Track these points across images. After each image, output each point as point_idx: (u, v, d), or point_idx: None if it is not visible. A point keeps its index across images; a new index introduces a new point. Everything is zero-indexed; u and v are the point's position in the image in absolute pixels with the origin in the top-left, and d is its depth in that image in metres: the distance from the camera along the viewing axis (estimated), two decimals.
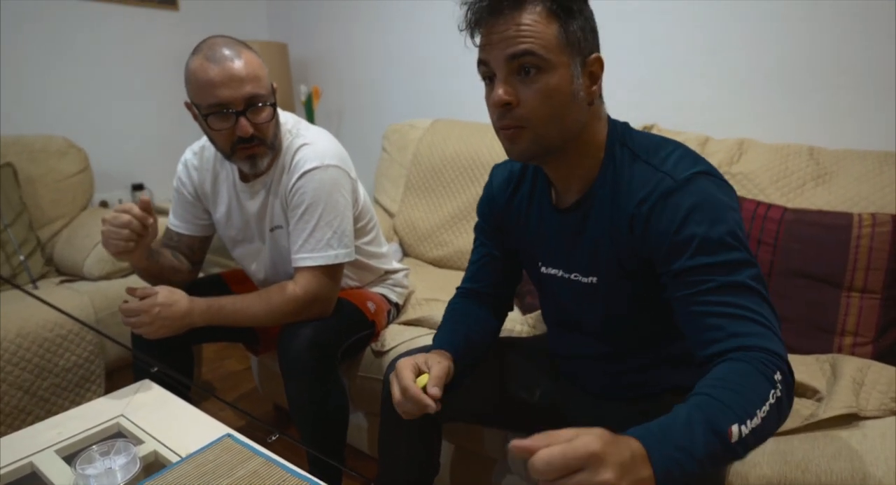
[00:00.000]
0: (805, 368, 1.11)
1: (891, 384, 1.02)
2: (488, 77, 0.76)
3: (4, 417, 1.34)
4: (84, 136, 2.12)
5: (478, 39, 0.76)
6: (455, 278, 1.65)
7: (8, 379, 1.35)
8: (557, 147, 0.77)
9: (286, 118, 1.19)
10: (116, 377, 1.58)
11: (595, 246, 0.83)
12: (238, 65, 1.03)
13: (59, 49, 2.14)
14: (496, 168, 1.00)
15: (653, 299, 0.82)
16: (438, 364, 0.84)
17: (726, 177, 1.41)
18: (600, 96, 0.81)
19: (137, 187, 2.38)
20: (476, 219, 1.03)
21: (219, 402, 1.83)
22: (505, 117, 0.75)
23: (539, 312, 1.33)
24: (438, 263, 1.88)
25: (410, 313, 1.45)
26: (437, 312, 1.37)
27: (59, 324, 1.44)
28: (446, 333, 0.95)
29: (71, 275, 1.71)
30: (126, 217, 1.04)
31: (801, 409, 1.01)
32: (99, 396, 1.48)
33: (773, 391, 0.61)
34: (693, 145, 1.53)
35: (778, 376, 0.62)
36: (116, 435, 0.95)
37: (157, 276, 1.21)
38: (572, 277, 0.87)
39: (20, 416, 1.36)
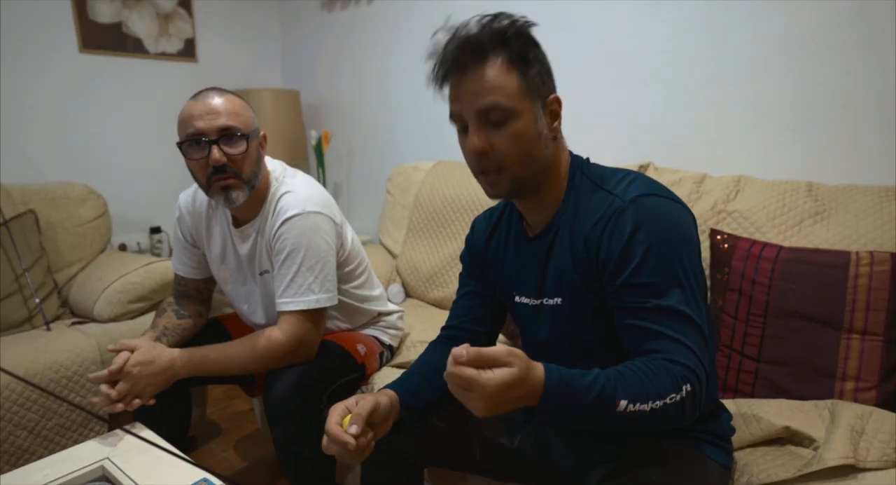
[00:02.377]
0: (803, 414, 1.06)
1: (893, 434, 0.97)
2: (461, 126, 0.82)
3: (9, 457, 1.38)
4: (104, 182, 2.23)
5: (446, 91, 0.82)
6: None
7: (14, 419, 1.39)
8: (533, 182, 0.83)
9: (274, 166, 1.24)
10: (121, 418, 1.60)
11: (559, 269, 0.86)
12: (217, 101, 1.11)
13: (82, 100, 2.27)
14: (477, 220, 1.05)
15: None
16: (363, 402, 0.83)
17: (721, 215, 1.42)
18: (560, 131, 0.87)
19: (155, 230, 2.47)
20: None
21: (222, 443, 1.85)
22: (482, 162, 0.81)
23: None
24: (439, 304, 1.88)
25: (405, 356, 1.45)
26: None
27: (65, 366, 1.48)
28: (402, 375, 0.97)
29: (83, 317, 1.78)
30: (95, 400, 1.07)
31: (796, 458, 0.97)
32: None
33: (673, 394, 0.70)
34: (689, 183, 1.52)
35: (687, 387, 0.71)
36: (101, 478, 0.96)
37: (180, 343, 1.25)
38: (543, 302, 0.90)
39: (24, 455, 1.40)
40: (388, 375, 1.34)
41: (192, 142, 1.10)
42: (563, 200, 0.86)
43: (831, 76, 1.42)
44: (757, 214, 1.38)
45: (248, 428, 1.96)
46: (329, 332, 1.33)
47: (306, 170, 2.81)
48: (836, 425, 0.99)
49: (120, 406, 1.07)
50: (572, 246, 0.84)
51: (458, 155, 2.22)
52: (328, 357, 1.22)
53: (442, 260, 1.88)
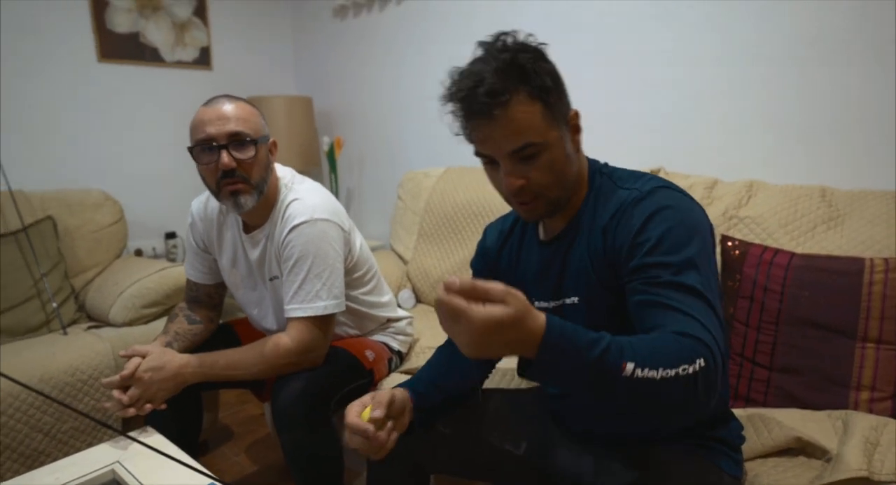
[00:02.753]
0: (816, 425, 1.04)
1: None
2: (488, 159, 0.82)
3: (25, 458, 1.41)
4: (120, 188, 2.27)
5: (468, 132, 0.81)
6: None
7: (30, 422, 1.41)
8: (567, 199, 0.85)
9: (284, 173, 1.25)
10: (133, 422, 1.63)
11: (577, 269, 0.86)
12: (228, 107, 1.13)
13: (100, 108, 2.32)
14: (489, 227, 1.06)
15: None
16: (380, 393, 0.86)
17: (733, 221, 1.41)
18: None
19: (170, 235, 2.51)
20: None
21: (234, 447, 1.86)
22: (519, 195, 0.81)
23: None
24: None
25: (414, 361, 1.45)
26: None
27: (80, 369, 1.51)
28: (411, 378, 0.98)
29: (99, 321, 1.81)
30: (107, 405, 1.10)
31: (808, 470, 0.95)
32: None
33: (685, 366, 0.62)
34: (701, 188, 1.51)
35: (700, 362, 0.63)
36: (111, 482, 0.98)
37: (190, 348, 1.26)
38: (564, 302, 0.89)
39: (39, 458, 1.42)
40: (397, 380, 1.34)
41: (203, 146, 1.12)
42: (583, 202, 0.87)
43: (842, 81, 1.40)
44: (769, 219, 1.36)
45: (259, 432, 1.98)
46: (338, 338, 1.33)
47: (319, 175, 2.83)
48: (850, 437, 0.98)
49: (132, 411, 1.08)
50: (590, 242, 0.84)
51: (467, 161, 2.23)
52: (336, 363, 1.22)
53: (452, 265, 1.88)
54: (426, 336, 1.60)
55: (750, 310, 1.23)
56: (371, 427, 0.80)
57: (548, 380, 0.65)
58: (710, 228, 0.81)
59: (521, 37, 0.81)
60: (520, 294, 0.59)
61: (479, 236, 1.82)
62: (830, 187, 1.37)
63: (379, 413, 0.81)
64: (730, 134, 1.60)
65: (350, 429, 0.82)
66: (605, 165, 0.91)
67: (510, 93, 0.75)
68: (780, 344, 1.17)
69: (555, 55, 0.83)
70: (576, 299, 0.87)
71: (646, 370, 0.61)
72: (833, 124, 1.44)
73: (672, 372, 0.61)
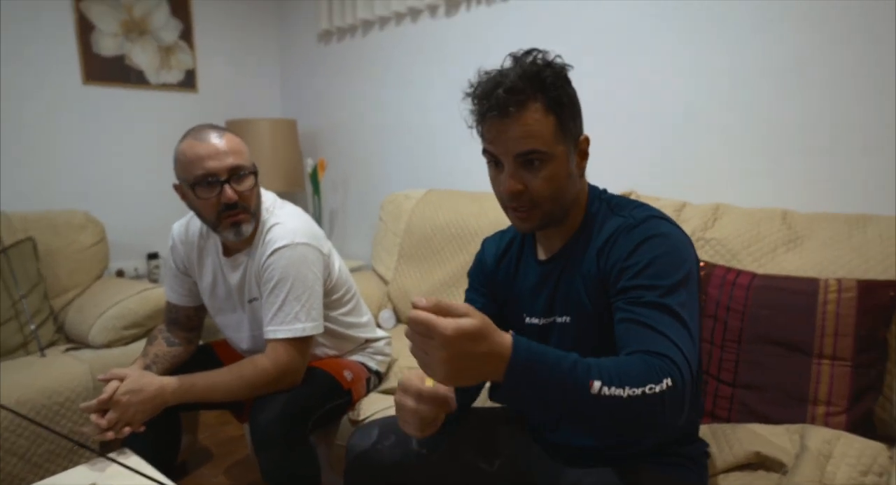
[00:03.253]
0: (775, 439, 1.09)
1: (860, 457, 1.00)
2: (494, 160, 0.86)
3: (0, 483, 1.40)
4: (103, 209, 2.29)
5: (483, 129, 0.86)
6: None
7: (4, 445, 1.41)
8: (560, 216, 0.89)
9: (266, 197, 1.29)
10: (111, 445, 1.62)
11: (570, 288, 0.90)
12: (221, 141, 1.16)
13: (85, 130, 2.34)
14: (487, 241, 1.09)
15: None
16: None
17: (700, 242, 1.46)
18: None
19: (152, 256, 2.52)
20: (465, 285, 1.09)
21: (213, 468, 1.86)
22: (515, 201, 0.85)
23: None
24: None
25: (392, 381, 1.48)
26: None
27: (58, 391, 1.51)
28: None
29: (78, 342, 1.81)
30: (85, 430, 1.11)
31: (767, 483, 0.99)
32: None
33: (652, 385, 0.65)
34: (670, 211, 1.57)
35: (668, 381, 0.67)
36: None
37: (170, 370, 1.28)
38: (555, 320, 0.93)
39: (14, 482, 1.41)
40: (375, 400, 1.37)
41: (204, 182, 1.15)
42: (580, 226, 0.91)
43: (805, 109, 1.48)
44: (733, 241, 1.42)
45: (239, 454, 1.97)
46: (316, 358, 1.36)
47: (302, 197, 2.87)
48: (805, 450, 1.02)
49: (110, 434, 1.09)
50: (584, 265, 0.88)
51: (448, 183, 2.27)
52: (314, 384, 1.25)
53: (432, 286, 1.92)
54: (405, 356, 1.62)
55: (714, 329, 1.28)
56: (452, 396, 0.80)
57: (517, 399, 0.65)
58: (697, 261, 0.85)
59: (550, 56, 0.85)
60: (478, 312, 0.62)
61: (457, 257, 1.88)
62: (791, 210, 1.44)
63: (446, 389, 0.81)
64: (699, 158, 1.68)
65: (423, 398, 0.79)
66: (605, 191, 0.96)
67: (528, 96, 0.80)
68: (742, 362, 1.22)
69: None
70: (567, 319, 0.91)
71: (612, 388, 0.63)
72: (795, 149, 1.51)
73: (638, 391, 0.64)
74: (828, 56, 1.43)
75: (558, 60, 0.85)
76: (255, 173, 1.20)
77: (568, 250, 0.91)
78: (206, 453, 1.97)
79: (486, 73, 0.85)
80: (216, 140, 1.16)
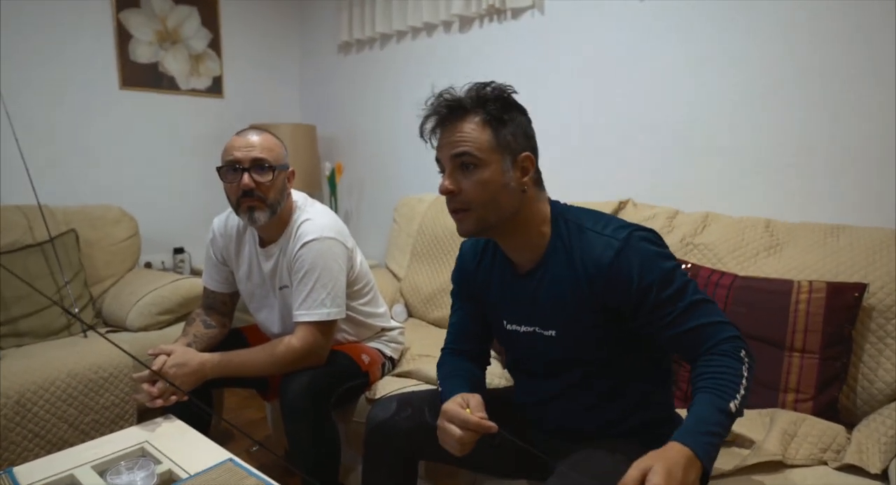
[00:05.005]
0: (747, 421, 1.22)
1: (821, 437, 1.13)
2: (441, 168, 0.98)
3: (51, 446, 1.55)
4: (135, 205, 2.45)
5: (435, 141, 0.99)
6: None
7: (57, 413, 1.56)
8: (496, 225, 0.97)
9: (298, 197, 1.44)
10: (147, 417, 1.77)
11: (552, 304, 0.99)
12: (255, 138, 1.33)
13: (120, 132, 2.51)
14: (464, 243, 1.19)
15: (606, 341, 0.99)
16: (474, 397, 0.98)
17: (689, 247, 1.60)
18: (540, 184, 1.01)
19: (178, 250, 2.67)
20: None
21: (235, 448, 2.00)
22: (451, 202, 0.96)
23: None
24: (438, 324, 2.05)
25: (404, 367, 1.62)
26: (427, 366, 1.54)
27: (103, 367, 1.66)
28: (456, 384, 1.06)
29: (115, 326, 1.96)
30: (137, 397, 1.26)
31: (736, 457, 1.12)
32: None
33: (743, 366, 0.86)
34: (663, 218, 1.70)
35: (742, 353, 0.87)
36: (141, 456, 1.13)
37: (207, 350, 1.41)
38: (535, 330, 1.03)
39: (64, 446, 1.55)
40: (390, 382, 1.51)
41: (229, 168, 1.31)
42: (550, 244, 0.99)
43: (792, 124, 1.61)
44: (720, 246, 1.55)
45: (258, 435, 2.11)
46: (337, 343, 1.50)
47: (320, 198, 3.01)
48: (772, 429, 1.15)
49: (159, 402, 1.24)
50: (570, 285, 0.96)
51: None
52: (336, 364, 1.39)
53: (441, 284, 2.06)
54: (416, 345, 1.76)
55: None
56: (494, 425, 0.93)
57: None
58: (667, 247, 0.99)
59: (503, 86, 0.97)
60: (641, 461, 0.76)
61: None
62: (775, 219, 1.57)
63: (484, 415, 0.94)
64: (691, 170, 1.81)
65: (469, 426, 0.92)
66: (565, 206, 1.04)
67: (469, 112, 0.93)
68: None
69: (535, 95, 1.00)
70: (553, 333, 1.00)
71: (737, 396, 0.83)
72: (781, 162, 1.64)
73: (743, 380, 0.85)
74: (811, 78, 1.56)
75: (509, 89, 0.97)
76: (275, 169, 1.33)
77: (542, 266, 0.99)
78: (228, 434, 2.11)
79: (440, 92, 0.97)
80: (252, 137, 1.33)
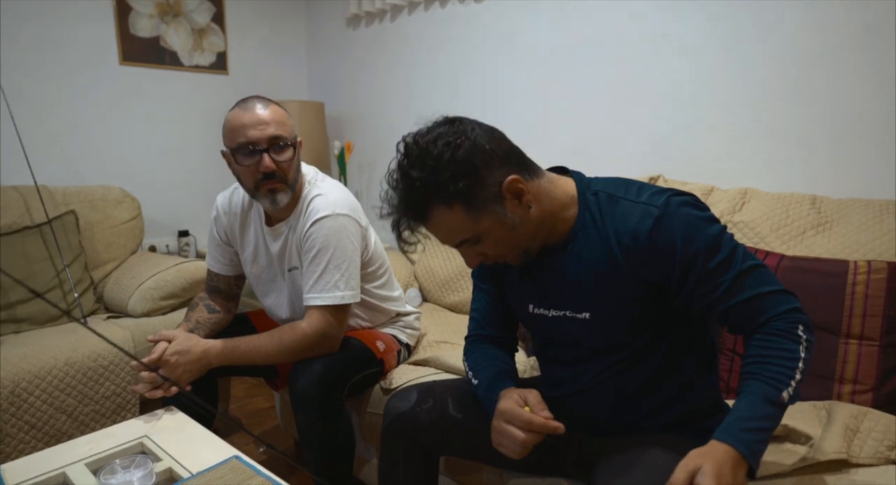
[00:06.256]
0: (801, 414, 1.11)
1: (887, 433, 1.02)
2: None
3: (49, 438, 1.47)
4: (137, 186, 2.36)
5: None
6: (467, 323, 1.73)
7: (55, 403, 1.48)
8: (539, 244, 0.91)
9: (307, 170, 1.33)
10: (150, 407, 1.69)
11: (581, 283, 0.90)
12: (265, 112, 1.20)
13: (121, 109, 2.41)
14: None
15: (647, 321, 0.90)
16: (532, 393, 0.90)
17: (728, 225, 1.48)
18: (539, 172, 0.90)
19: (183, 233, 2.58)
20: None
21: (242, 438, 1.92)
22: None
23: None
24: (454, 309, 1.95)
25: (421, 354, 1.52)
26: (445, 354, 1.44)
27: (102, 355, 1.58)
28: (496, 378, 0.98)
29: (117, 312, 1.88)
30: (136, 387, 1.17)
31: (791, 455, 1.02)
32: None
33: (800, 347, 0.78)
34: (698, 195, 1.57)
35: (800, 330, 0.79)
36: (140, 453, 1.04)
37: (211, 336, 1.32)
38: (565, 314, 0.94)
39: (62, 438, 1.49)
40: (406, 371, 1.41)
41: (244, 150, 1.19)
42: (578, 219, 0.89)
43: (835, 94, 1.48)
44: (762, 224, 1.44)
45: (267, 424, 2.04)
46: (350, 329, 1.40)
47: None
48: (832, 423, 1.05)
49: (159, 392, 1.15)
50: (602, 260, 0.87)
51: None
52: (350, 351, 1.29)
53: (458, 267, 1.95)
54: (432, 332, 1.67)
55: None
56: (560, 424, 0.84)
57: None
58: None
59: (429, 133, 0.83)
60: (688, 459, 0.72)
61: None
62: (821, 196, 1.45)
63: (548, 414, 0.85)
64: (727, 144, 1.69)
65: (533, 427, 0.84)
66: (589, 178, 0.94)
67: (425, 213, 0.83)
68: None
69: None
70: (587, 315, 0.91)
71: (791, 384, 0.76)
72: (826, 135, 1.52)
73: (800, 363, 0.77)
74: (858, 45, 1.43)
75: (441, 132, 0.83)
76: (294, 145, 1.23)
77: (573, 244, 0.90)
78: (237, 422, 2.03)
79: (386, 199, 0.89)
80: (261, 110, 1.20)
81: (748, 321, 0.82)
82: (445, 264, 2.00)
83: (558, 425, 0.84)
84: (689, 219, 0.82)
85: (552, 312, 0.96)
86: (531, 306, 0.99)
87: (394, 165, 0.87)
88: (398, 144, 0.87)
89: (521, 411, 0.85)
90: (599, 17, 1.89)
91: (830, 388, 1.18)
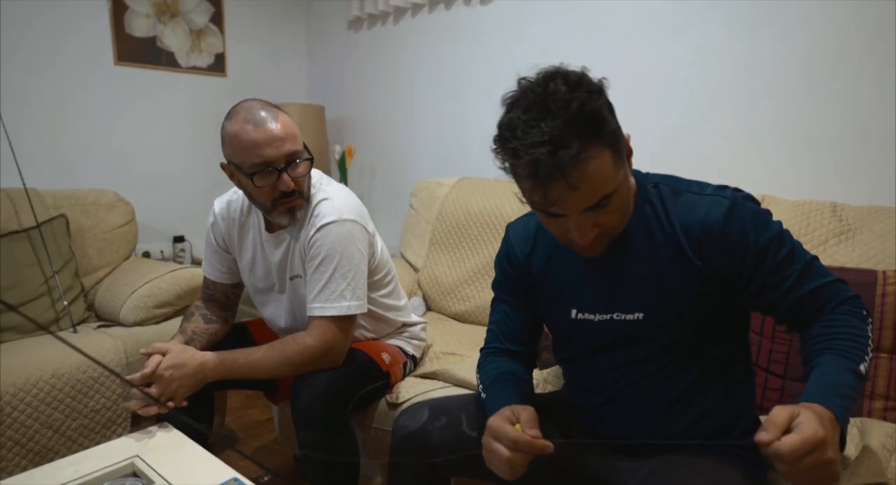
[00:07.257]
0: None
1: None
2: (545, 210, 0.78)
3: (34, 455, 1.39)
4: (131, 190, 2.28)
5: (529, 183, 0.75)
6: (475, 333, 1.67)
7: (41, 418, 1.40)
8: (621, 229, 0.84)
9: (312, 174, 1.27)
10: (142, 421, 1.62)
11: (637, 282, 0.85)
12: (277, 126, 1.12)
13: (115, 111, 2.34)
14: (511, 226, 1.03)
15: (702, 319, 0.86)
16: (525, 410, 0.84)
17: None
18: None
19: (178, 239, 2.51)
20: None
21: (241, 448, 1.85)
22: (587, 238, 0.78)
23: (556, 367, 1.31)
24: (460, 318, 1.89)
25: (428, 367, 1.46)
26: (454, 367, 1.37)
27: (92, 366, 1.50)
28: (503, 393, 0.91)
29: (108, 320, 1.80)
30: (128, 404, 1.10)
31: None
32: None
33: (869, 327, 0.80)
34: None
35: (864, 313, 0.82)
36: (131, 475, 0.97)
37: (207, 348, 1.25)
38: (612, 317, 0.89)
39: (48, 455, 1.41)
40: (413, 384, 1.35)
41: (261, 170, 1.11)
42: (636, 212, 0.85)
43: (856, 99, 1.44)
44: None
45: (265, 437, 1.96)
46: (354, 340, 1.33)
47: None
48: (867, 444, 0.99)
49: (153, 409, 1.08)
50: (661, 256, 0.84)
51: (480, 171, 2.24)
52: (355, 364, 1.23)
53: (464, 274, 1.89)
54: (438, 342, 1.60)
55: (763, 319, 1.25)
56: (549, 444, 0.78)
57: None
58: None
59: (572, 74, 0.75)
60: (784, 410, 0.66)
61: (491, 245, 1.85)
62: (840, 203, 1.40)
63: (536, 432, 0.79)
64: (743, 149, 1.64)
65: (519, 446, 0.78)
66: (643, 172, 0.90)
67: (582, 148, 0.70)
68: (795, 353, 1.19)
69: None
70: (640, 315, 0.86)
71: (866, 358, 0.76)
72: (845, 141, 1.47)
73: (870, 342, 0.78)
74: (877, 46, 1.39)
75: (585, 78, 0.75)
76: (310, 158, 1.17)
77: (629, 239, 0.85)
78: (233, 437, 1.96)
79: (520, 124, 0.72)
80: (272, 124, 1.11)
81: (816, 311, 0.82)
82: (451, 272, 1.94)
83: (546, 445, 0.79)
84: (756, 212, 0.83)
85: (598, 316, 0.90)
86: (574, 312, 0.92)
87: (532, 98, 0.73)
88: (520, 80, 0.77)
89: (509, 428, 0.80)
90: (607, 18, 1.85)
91: (860, 404, 1.12)
